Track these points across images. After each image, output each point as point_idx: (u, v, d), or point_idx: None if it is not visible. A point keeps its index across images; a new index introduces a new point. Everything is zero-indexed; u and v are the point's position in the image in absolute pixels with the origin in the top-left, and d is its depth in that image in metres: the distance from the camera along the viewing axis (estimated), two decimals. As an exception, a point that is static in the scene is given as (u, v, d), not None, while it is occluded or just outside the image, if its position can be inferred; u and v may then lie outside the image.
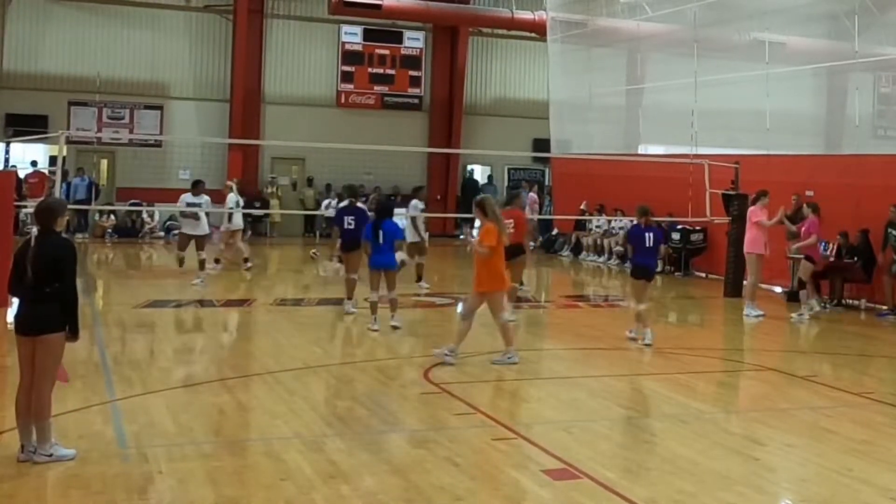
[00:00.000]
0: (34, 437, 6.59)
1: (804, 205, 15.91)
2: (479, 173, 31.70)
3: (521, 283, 14.82)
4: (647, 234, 12.31)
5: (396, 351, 11.50)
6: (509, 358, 10.48)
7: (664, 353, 11.71)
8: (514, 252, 12.77)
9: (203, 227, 17.03)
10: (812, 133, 21.93)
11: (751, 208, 15.65)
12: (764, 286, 17.91)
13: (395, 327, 12.46)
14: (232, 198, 18.72)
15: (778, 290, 17.77)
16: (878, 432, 8.31)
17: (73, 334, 6.69)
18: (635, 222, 12.72)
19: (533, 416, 8.61)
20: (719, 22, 21.76)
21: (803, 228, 15.57)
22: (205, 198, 17.10)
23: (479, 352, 11.45)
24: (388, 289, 12.55)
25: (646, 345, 11.82)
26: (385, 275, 12.53)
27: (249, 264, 18.86)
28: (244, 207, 19.83)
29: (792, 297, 16.69)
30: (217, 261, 18.99)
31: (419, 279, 16.93)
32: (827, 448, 7.69)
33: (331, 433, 7.65)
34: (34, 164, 26.11)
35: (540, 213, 26.72)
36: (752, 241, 15.46)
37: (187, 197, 16.93)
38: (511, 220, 13.09)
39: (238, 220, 18.93)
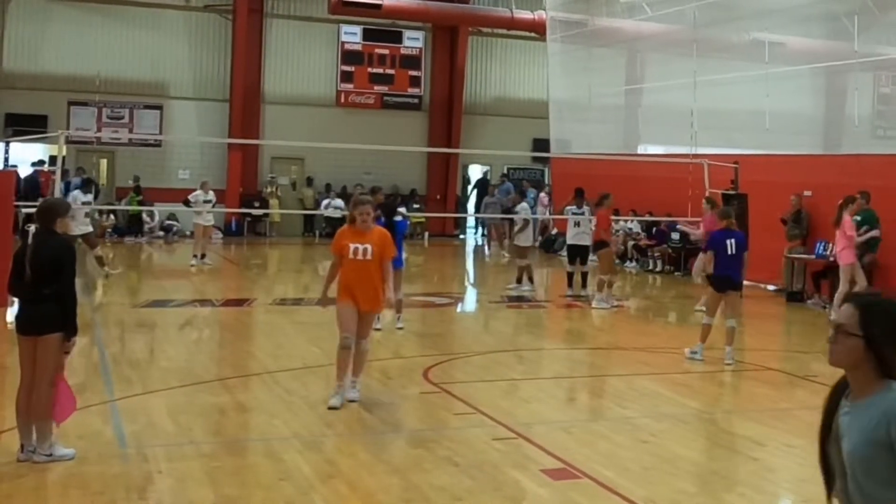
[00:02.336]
0: (34, 437, 6.58)
1: (704, 200, 15.95)
2: (492, 174, 31.50)
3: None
4: (728, 241, 10.99)
5: (397, 351, 11.49)
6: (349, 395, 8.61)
7: (664, 353, 11.71)
8: (599, 245, 15.83)
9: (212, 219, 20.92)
10: (811, 133, 21.92)
11: (845, 217, 14.35)
12: (760, 284, 17.96)
13: (398, 328, 12.44)
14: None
15: (772, 288, 17.80)
16: (877, 432, 8.30)
17: (70, 336, 6.66)
18: (722, 227, 11.25)
19: (533, 416, 8.60)
20: (719, 22, 21.76)
21: (701, 225, 15.77)
22: (212, 194, 20.61)
23: (479, 352, 11.45)
24: (393, 289, 12.50)
25: (726, 364, 10.94)
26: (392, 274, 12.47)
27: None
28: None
29: (792, 297, 16.71)
30: (203, 255, 19.80)
31: (520, 280, 17.19)
32: (827, 448, 7.67)
33: (330, 433, 7.65)
34: (41, 163, 26.08)
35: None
36: (843, 252, 14.36)
37: (200, 194, 20.11)
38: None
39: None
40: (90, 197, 17.77)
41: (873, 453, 2.87)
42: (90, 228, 17.10)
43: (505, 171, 31.17)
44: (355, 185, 26.22)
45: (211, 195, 20.48)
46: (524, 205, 17.89)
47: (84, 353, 10.05)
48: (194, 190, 20.85)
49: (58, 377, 6.70)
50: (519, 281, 17.18)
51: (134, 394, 8.75)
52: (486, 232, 29.28)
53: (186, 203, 20.34)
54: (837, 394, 3.09)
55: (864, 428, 2.90)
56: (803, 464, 7.34)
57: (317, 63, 29.30)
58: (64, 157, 17.70)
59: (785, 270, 17.54)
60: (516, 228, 17.62)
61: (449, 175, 30.40)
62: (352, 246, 8.38)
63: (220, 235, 26.51)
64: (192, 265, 19.45)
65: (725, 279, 11.02)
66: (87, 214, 17.21)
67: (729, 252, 10.95)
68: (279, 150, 27.91)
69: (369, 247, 8.38)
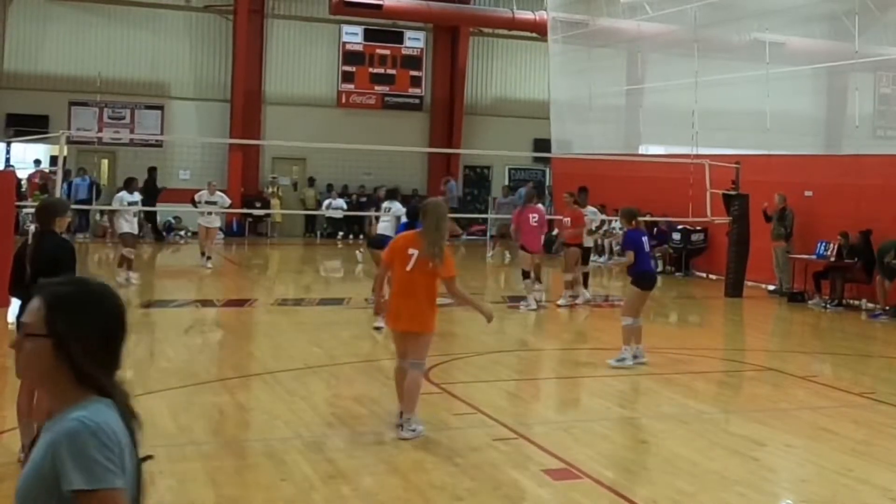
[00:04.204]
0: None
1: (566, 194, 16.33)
2: (493, 174, 31.17)
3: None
4: (643, 238, 11.11)
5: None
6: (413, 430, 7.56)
7: (664, 353, 11.71)
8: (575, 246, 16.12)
9: (217, 221, 20.35)
10: (812, 133, 21.95)
11: None
12: (761, 285, 17.96)
13: None
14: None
15: (772, 288, 17.81)
16: (878, 432, 8.31)
17: None
18: (632, 227, 11.07)
19: (533, 416, 8.61)
20: (719, 22, 21.77)
21: (568, 221, 16.18)
22: (220, 195, 20.09)
23: (480, 352, 11.46)
24: None
25: (643, 363, 10.69)
26: None
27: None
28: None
29: (794, 298, 16.71)
30: (208, 258, 19.50)
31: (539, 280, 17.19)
32: (827, 448, 7.69)
33: (331, 433, 7.65)
34: (37, 163, 26.11)
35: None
36: None
37: (205, 195, 19.60)
38: (569, 218, 16.23)
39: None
40: (136, 197, 17.56)
41: (38, 491, 2.19)
42: (132, 229, 17.10)
43: (502, 172, 31.16)
44: (359, 187, 26.31)
45: (218, 196, 19.86)
46: (539, 206, 17.87)
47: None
48: (198, 190, 20.62)
49: None
50: (539, 281, 17.19)
51: (134, 394, 8.74)
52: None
53: (193, 203, 20.07)
54: None
55: (34, 456, 2.24)
56: (803, 464, 7.35)
57: (318, 63, 29.30)
58: (65, 158, 17.71)
59: (776, 270, 17.54)
60: None
61: (450, 175, 30.38)
62: None
63: (222, 236, 26.49)
64: (204, 265, 19.16)
65: (652, 275, 11.21)
66: (134, 214, 17.22)
67: (646, 249, 11.01)
68: (280, 150, 27.91)
69: None
